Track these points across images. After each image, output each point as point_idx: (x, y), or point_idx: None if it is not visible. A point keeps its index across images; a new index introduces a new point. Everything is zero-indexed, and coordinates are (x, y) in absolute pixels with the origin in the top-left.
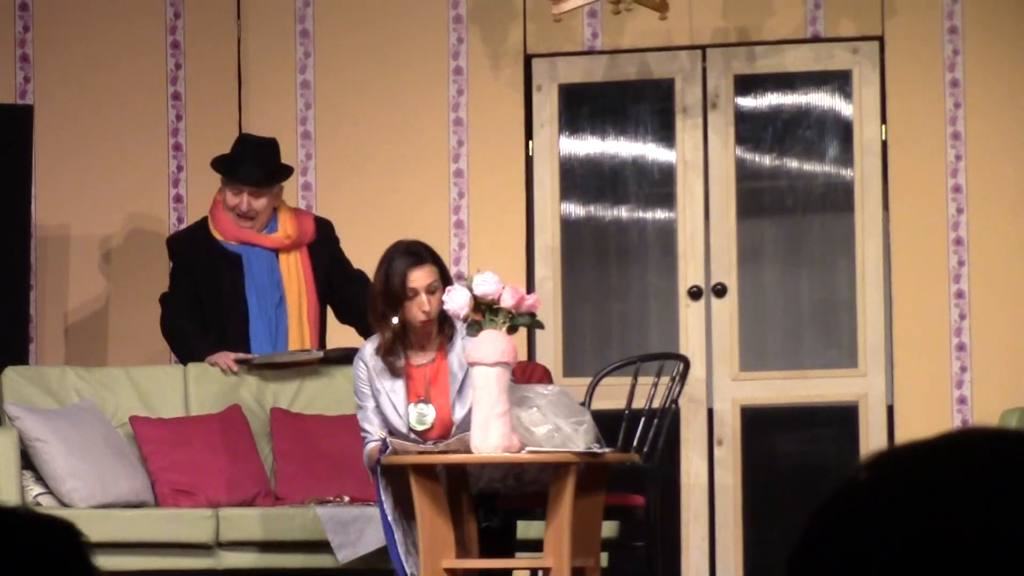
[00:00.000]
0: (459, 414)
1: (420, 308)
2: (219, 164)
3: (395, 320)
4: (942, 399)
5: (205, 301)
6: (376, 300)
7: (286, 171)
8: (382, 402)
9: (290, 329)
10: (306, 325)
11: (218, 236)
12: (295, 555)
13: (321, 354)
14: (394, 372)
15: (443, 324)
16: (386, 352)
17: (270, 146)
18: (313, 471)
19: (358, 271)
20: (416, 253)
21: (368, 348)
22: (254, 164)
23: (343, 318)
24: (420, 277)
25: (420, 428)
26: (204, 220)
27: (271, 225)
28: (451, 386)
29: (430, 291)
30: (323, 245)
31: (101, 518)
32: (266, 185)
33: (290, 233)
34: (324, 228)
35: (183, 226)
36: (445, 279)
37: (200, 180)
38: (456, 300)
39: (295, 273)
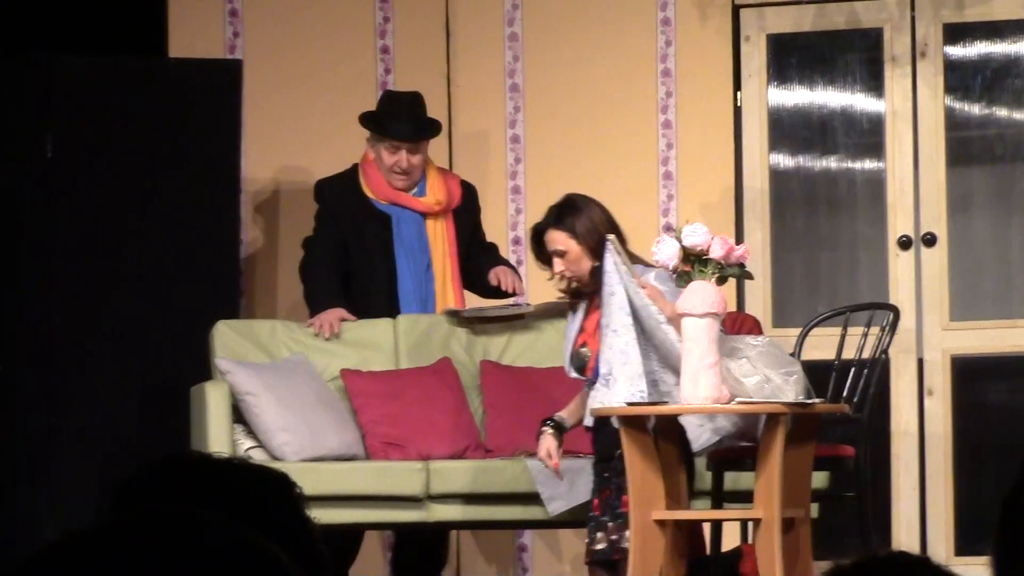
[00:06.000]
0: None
1: (552, 271)
2: (369, 121)
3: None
4: None
5: (352, 253)
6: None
7: (436, 125)
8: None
9: (436, 293)
10: (450, 290)
11: (369, 194)
12: (505, 507)
13: (531, 307)
14: (576, 309)
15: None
16: (571, 295)
17: (418, 102)
18: (523, 423)
19: (491, 243)
20: (543, 228)
21: None
22: (407, 121)
23: (467, 284)
24: (548, 241)
25: (573, 375)
26: (355, 170)
27: (420, 187)
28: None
29: (558, 255)
30: (467, 211)
31: (312, 471)
32: (421, 140)
33: (440, 199)
34: (469, 193)
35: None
36: (582, 236)
37: None
38: (665, 251)
39: (440, 238)
